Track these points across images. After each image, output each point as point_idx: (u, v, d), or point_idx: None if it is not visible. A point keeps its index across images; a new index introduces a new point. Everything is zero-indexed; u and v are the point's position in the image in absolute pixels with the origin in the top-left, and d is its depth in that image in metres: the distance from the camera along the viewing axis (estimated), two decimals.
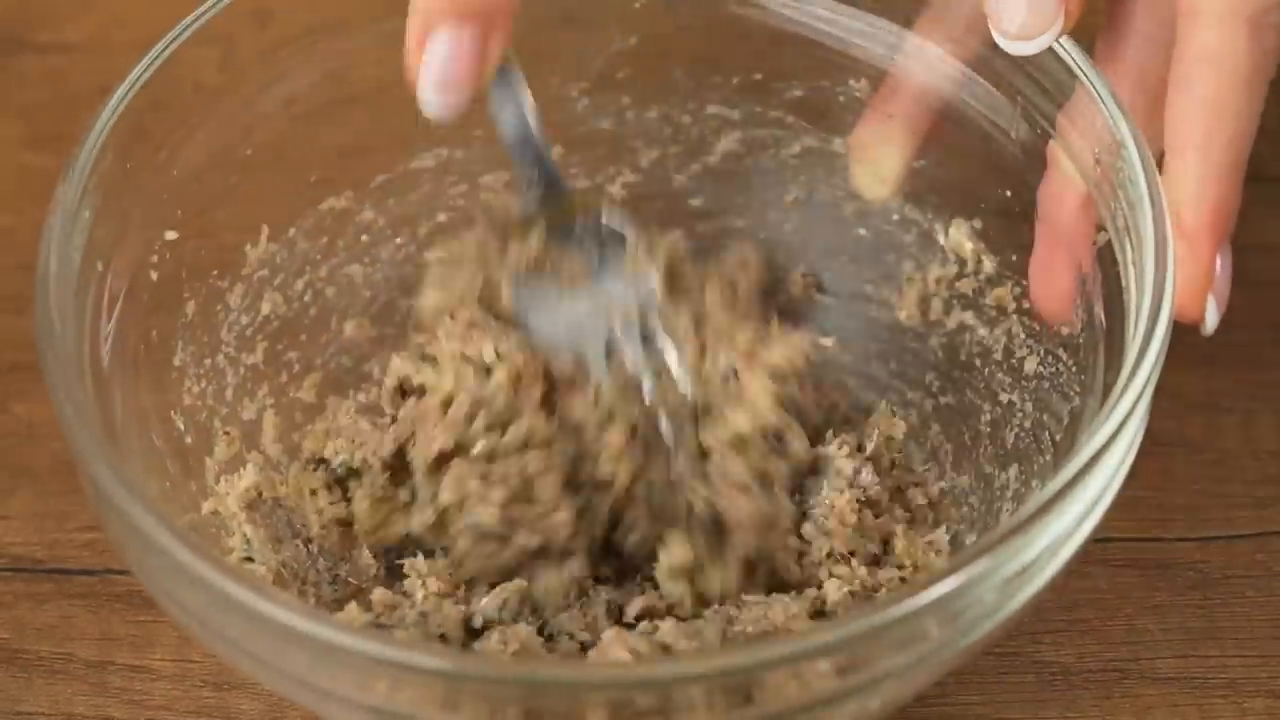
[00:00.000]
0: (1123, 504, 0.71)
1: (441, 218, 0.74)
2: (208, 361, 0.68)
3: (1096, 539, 0.70)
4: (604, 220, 0.68)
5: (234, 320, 0.69)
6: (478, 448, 0.64)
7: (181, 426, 0.65)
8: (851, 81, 0.71)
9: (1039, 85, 0.64)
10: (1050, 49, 0.63)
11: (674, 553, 0.64)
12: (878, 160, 0.70)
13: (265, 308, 0.69)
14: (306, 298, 0.71)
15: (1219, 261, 0.61)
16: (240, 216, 0.70)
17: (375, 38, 0.69)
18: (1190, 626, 0.69)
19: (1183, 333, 0.74)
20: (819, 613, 0.65)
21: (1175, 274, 0.58)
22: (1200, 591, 0.70)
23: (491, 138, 0.73)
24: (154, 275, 0.66)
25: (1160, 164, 0.62)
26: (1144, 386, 0.56)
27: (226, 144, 0.68)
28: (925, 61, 0.68)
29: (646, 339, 0.66)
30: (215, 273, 0.69)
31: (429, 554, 0.66)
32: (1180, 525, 0.72)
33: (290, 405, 0.70)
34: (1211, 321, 0.62)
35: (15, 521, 0.73)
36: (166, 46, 0.64)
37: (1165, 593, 0.70)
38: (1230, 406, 0.75)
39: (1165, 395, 0.74)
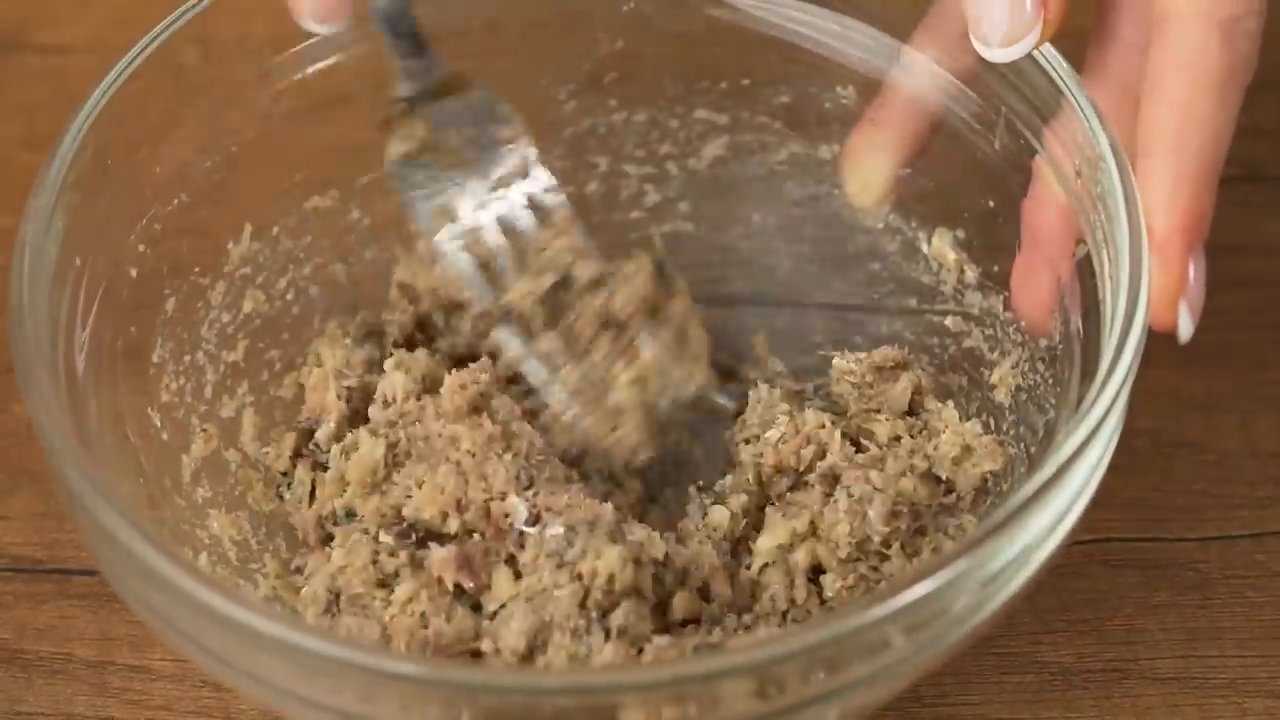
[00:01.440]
0: (1123, 504, 0.71)
1: None
2: (187, 358, 0.68)
3: (1097, 539, 0.70)
4: (480, 97, 0.68)
5: (215, 318, 0.69)
6: None
7: (158, 423, 0.65)
8: (839, 89, 0.71)
9: (1024, 96, 0.65)
10: (1035, 61, 0.63)
11: None
12: (866, 169, 0.70)
13: (247, 306, 0.69)
14: (289, 296, 0.71)
15: (1192, 269, 0.61)
16: (224, 214, 0.70)
17: (364, 37, 0.69)
18: (1190, 626, 0.69)
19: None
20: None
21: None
22: (1200, 591, 0.70)
23: None
24: (134, 271, 0.66)
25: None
26: (1117, 394, 0.56)
27: (210, 141, 0.69)
28: (914, 72, 0.68)
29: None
30: (197, 270, 0.69)
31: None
32: (1180, 525, 0.72)
33: (270, 404, 0.70)
34: (1185, 330, 0.62)
35: (15, 522, 0.73)
36: (151, 42, 0.65)
37: (1165, 593, 0.70)
38: (1230, 406, 0.75)
39: (1165, 395, 0.74)
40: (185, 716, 0.68)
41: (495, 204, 0.68)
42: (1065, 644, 0.69)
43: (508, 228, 0.68)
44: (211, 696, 0.68)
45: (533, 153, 0.68)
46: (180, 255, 0.69)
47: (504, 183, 0.68)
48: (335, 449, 0.66)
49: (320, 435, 0.67)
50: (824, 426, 0.65)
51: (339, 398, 0.67)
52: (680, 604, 0.63)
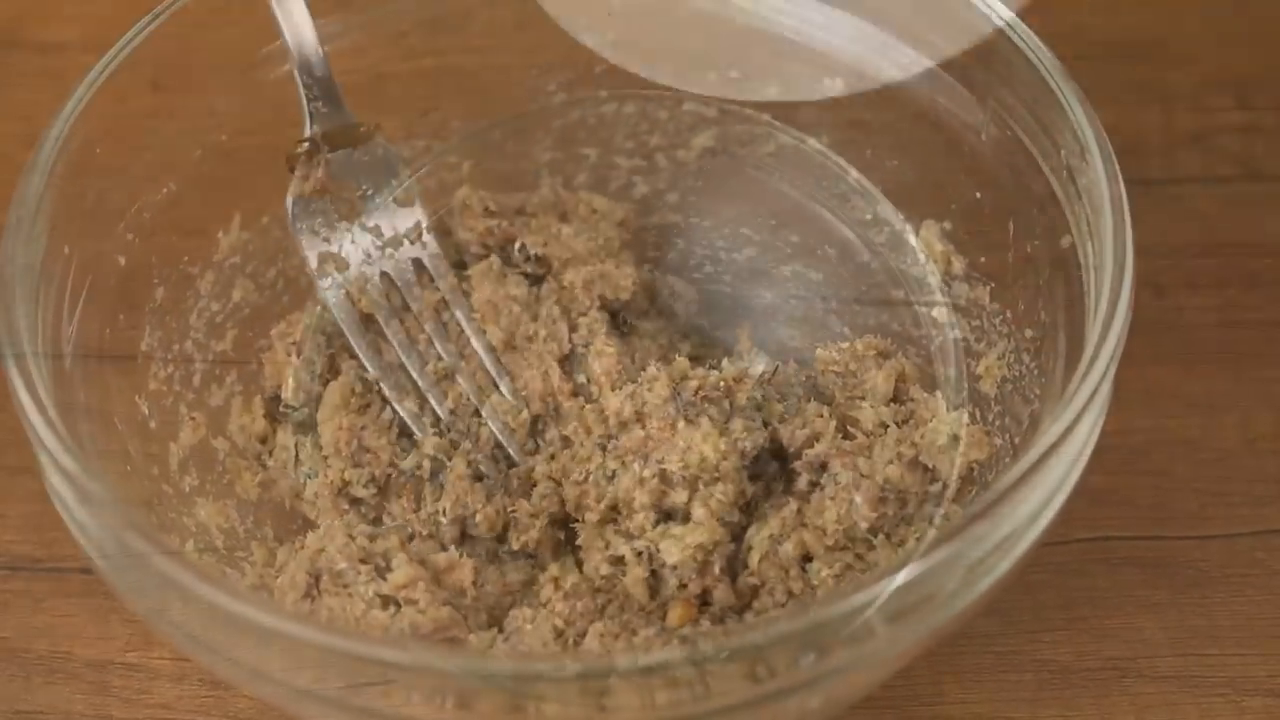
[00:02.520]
0: (1123, 503, 0.71)
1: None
2: (176, 347, 0.68)
3: (1096, 538, 0.70)
4: (380, 153, 0.69)
5: (204, 306, 0.69)
6: None
7: (146, 411, 0.66)
8: (826, 80, 0.71)
9: (1012, 90, 0.65)
10: (1023, 55, 0.63)
11: None
12: None
13: (236, 295, 0.70)
14: (279, 286, 0.71)
15: None
16: (213, 203, 0.71)
17: (351, 29, 0.70)
18: (1189, 625, 0.69)
19: (1181, 331, 0.74)
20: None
21: None
22: (1199, 590, 0.70)
23: (468, 131, 0.73)
24: (122, 260, 0.67)
25: None
26: (1099, 383, 0.56)
27: (200, 131, 0.69)
28: (901, 63, 0.68)
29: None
30: (186, 259, 0.69)
31: None
32: (1180, 524, 0.72)
33: (258, 393, 0.70)
34: None
35: (14, 521, 0.73)
36: (140, 32, 0.65)
37: (1165, 591, 0.70)
38: (1230, 406, 0.75)
39: (1165, 395, 0.74)
40: (185, 715, 0.68)
41: (383, 261, 0.70)
42: (1065, 642, 0.69)
43: (390, 288, 0.70)
44: (210, 695, 0.68)
45: (425, 218, 0.70)
46: (169, 244, 0.69)
47: (394, 242, 0.70)
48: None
49: (285, 394, 0.68)
50: (821, 416, 0.66)
51: (288, 354, 0.69)
52: (677, 612, 0.65)
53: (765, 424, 0.67)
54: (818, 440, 0.65)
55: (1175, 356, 0.74)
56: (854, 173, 0.70)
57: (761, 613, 0.65)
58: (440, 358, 0.69)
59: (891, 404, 0.67)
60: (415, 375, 0.68)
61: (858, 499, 0.63)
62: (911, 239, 0.71)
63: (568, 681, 0.58)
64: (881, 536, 0.63)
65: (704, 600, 0.66)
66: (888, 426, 0.66)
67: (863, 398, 0.67)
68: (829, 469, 0.64)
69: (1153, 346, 0.74)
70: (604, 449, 0.68)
